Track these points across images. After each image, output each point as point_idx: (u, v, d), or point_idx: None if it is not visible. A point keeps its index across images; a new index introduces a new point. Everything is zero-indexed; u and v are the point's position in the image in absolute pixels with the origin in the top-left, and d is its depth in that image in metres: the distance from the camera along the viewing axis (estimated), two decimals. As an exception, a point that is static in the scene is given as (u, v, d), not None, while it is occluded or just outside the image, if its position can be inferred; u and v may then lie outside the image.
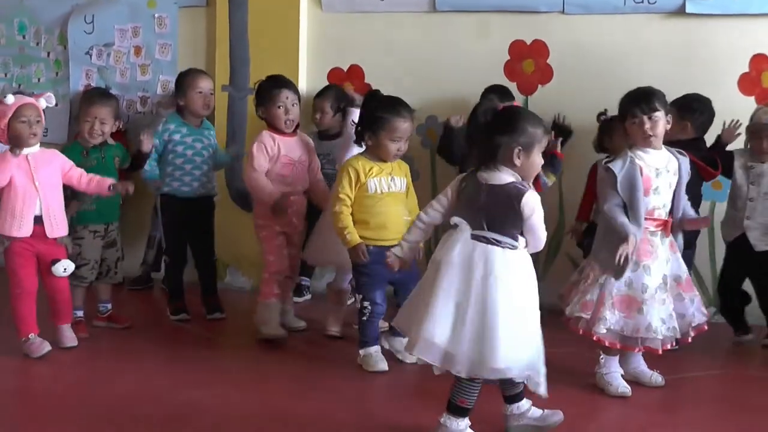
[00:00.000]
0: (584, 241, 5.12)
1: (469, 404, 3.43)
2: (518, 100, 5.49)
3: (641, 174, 4.04)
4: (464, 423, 3.45)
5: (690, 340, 4.22)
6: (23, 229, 4.50)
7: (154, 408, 3.90)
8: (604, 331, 4.05)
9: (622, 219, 4.01)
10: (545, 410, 3.59)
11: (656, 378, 4.24)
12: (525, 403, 3.55)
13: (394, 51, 5.93)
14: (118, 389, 4.15)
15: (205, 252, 5.45)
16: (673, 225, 4.17)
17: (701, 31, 5.41)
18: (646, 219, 4.05)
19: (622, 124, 4.19)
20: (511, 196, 3.33)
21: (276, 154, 4.92)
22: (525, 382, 3.45)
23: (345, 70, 6.04)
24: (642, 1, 5.49)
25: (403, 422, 3.79)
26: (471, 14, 5.79)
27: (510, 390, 3.54)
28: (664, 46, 5.47)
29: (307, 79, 5.93)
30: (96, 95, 5.48)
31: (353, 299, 5.02)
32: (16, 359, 4.51)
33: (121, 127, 5.94)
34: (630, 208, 4.02)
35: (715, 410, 4.08)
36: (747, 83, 5.36)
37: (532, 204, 3.33)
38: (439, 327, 3.33)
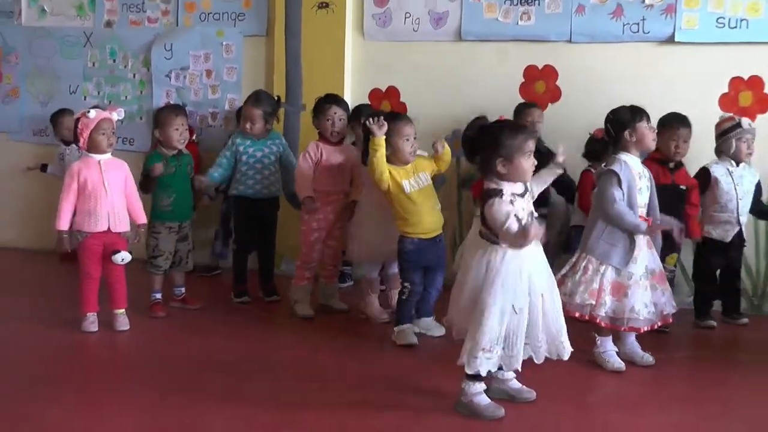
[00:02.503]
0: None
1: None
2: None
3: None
4: (480, 386, 3.49)
5: (657, 327, 4.18)
6: (99, 224, 4.56)
7: (222, 373, 3.97)
8: (603, 314, 4.06)
9: (632, 218, 3.99)
10: (523, 386, 3.64)
11: (648, 358, 4.21)
12: (509, 374, 3.59)
13: (426, 74, 5.96)
14: (190, 359, 4.21)
15: (268, 244, 5.44)
16: (651, 224, 4.11)
17: (688, 56, 5.40)
18: None
19: (624, 131, 4.09)
20: (483, 200, 3.40)
21: (319, 159, 5.01)
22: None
23: (383, 90, 6.07)
24: (638, 31, 5.48)
25: (430, 385, 3.84)
26: (491, 43, 5.80)
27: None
28: (656, 69, 5.46)
29: (351, 98, 5.95)
30: (175, 107, 5.46)
31: (384, 288, 5.02)
32: (106, 333, 4.60)
33: (194, 138, 6.00)
34: (629, 202, 4.03)
35: (698, 386, 4.04)
36: (726, 102, 5.34)
37: (486, 208, 3.35)
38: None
